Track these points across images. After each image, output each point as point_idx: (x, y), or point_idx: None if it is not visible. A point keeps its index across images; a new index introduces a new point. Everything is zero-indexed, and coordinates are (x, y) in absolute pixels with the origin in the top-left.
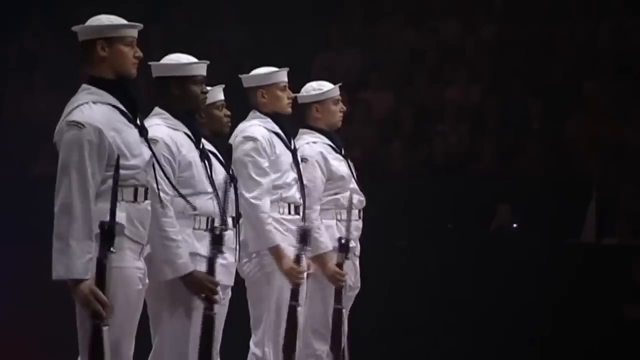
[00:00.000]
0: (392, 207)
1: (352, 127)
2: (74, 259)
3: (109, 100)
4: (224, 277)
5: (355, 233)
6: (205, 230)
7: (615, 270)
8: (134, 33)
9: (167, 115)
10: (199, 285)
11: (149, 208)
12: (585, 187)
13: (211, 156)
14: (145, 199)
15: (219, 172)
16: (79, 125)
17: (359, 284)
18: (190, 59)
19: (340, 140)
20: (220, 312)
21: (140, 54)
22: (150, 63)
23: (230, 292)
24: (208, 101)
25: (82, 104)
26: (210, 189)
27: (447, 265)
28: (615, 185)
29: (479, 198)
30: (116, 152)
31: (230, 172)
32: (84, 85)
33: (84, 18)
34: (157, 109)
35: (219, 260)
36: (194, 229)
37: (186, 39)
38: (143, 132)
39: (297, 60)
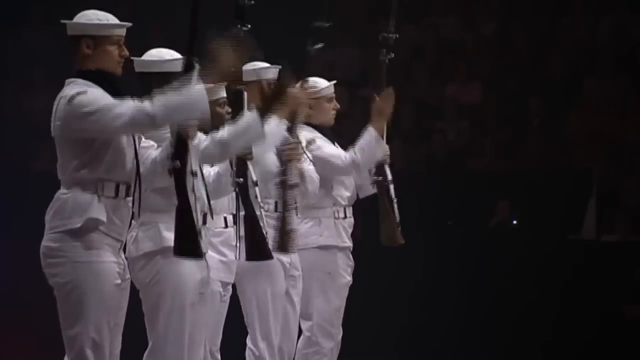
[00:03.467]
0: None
1: (351, 123)
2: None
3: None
4: (225, 274)
5: (348, 229)
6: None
7: (615, 267)
8: (122, 32)
9: None
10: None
11: (130, 204)
12: (585, 183)
13: None
14: (127, 195)
15: None
16: (80, 93)
17: (351, 278)
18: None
19: (332, 135)
20: (221, 309)
21: (126, 52)
22: (132, 58)
23: (230, 289)
24: (210, 98)
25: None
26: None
27: (446, 261)
28: (615, 181)
29: (479, 194)
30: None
31: None
32: (69, 79)
33: None
34: None
35: (219, 257)
36: None
37: (185, 35)
38: None
39: (296, 56)
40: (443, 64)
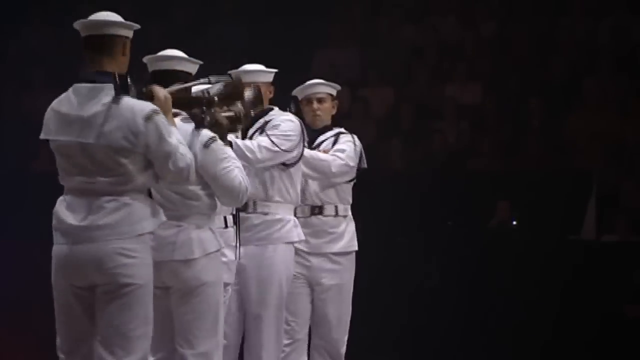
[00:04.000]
0: (391, 204)
1: (351, 123)
2: None
3: None
4: (225, 275)
5: (306, 230)
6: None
7: (615, 267)
8: None
9: None
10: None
11: None
12: (585, 184)
13: None
14: None
15: None
16: (155, 112)
17: (330, 282)
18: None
19: (312, 135)
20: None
21: None
22: (146, 58)
23: (230, 290)
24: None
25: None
26: None
27: (446, 262)
28: (615, 181)
29: (479, 195)
30: None
31: None
32: (109, 85)
33: (84, 14)
34: None
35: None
36: None
37: (185, 36)
38: None
39: (297, 57)
40: (443, 64)
